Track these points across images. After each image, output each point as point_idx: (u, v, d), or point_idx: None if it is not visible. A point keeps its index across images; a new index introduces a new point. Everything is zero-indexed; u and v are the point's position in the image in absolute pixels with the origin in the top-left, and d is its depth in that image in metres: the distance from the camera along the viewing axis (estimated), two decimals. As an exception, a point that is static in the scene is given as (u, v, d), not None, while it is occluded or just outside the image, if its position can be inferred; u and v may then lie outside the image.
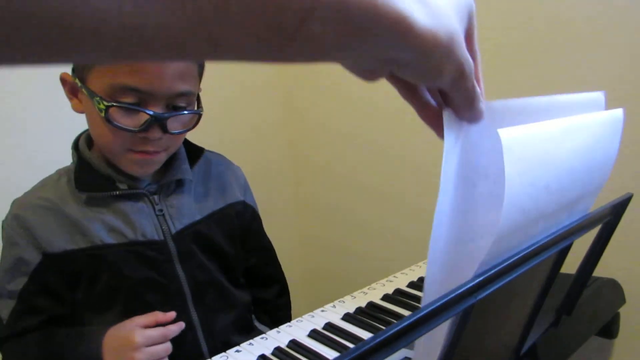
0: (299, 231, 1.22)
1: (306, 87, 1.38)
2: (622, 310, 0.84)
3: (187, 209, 0.78)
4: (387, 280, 0.87)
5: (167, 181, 0.77)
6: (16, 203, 0.75)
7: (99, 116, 0.66)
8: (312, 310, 0.78)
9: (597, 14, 0.82)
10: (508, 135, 0.31)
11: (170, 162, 0.78)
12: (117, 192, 0.73)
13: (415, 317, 0.32)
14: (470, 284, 0.35)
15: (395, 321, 0.72)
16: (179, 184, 0.79)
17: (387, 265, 0.96)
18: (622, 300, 0.83)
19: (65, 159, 0.79)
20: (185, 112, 0.70)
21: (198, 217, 0.79)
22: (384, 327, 0.70)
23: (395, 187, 1.21)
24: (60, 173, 0.77)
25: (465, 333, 0.39)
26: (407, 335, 0.32)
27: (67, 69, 0.72)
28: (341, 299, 0.82)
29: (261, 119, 1.39)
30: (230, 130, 1.28)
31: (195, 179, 0.82)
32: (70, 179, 0.74)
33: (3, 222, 0.75)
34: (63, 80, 0.71)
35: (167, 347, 0.67)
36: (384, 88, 0.35)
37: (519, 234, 0.38)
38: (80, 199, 0.72)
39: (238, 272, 0.87)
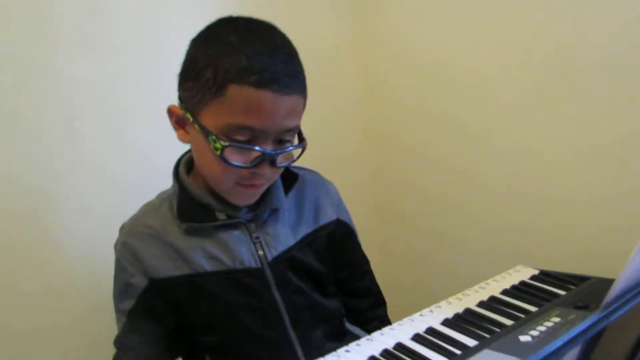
0: (379, 240, 1.27)
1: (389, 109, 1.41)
2: None
3: (283, 235, 0.81)
4: (479, 287, 0.90)
5: (263, 210, 0.80)
6: (124, 230, 0.81)
7: (211, 152, 0.69)
8: (400, 319, 0.82)
9: None
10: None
11: (267, 190, 0.81)
12: (216, 223, 0.77)
13: (562, 341, 0.36)
14: (610, 309, 0.38)
15: (496, 329, 0.75)
16: (274, 211, 0.82)
17: (469, 275, 0.98)
18: None
19: (164, 180, 0.84)
20: (293, 147, 0.73)
21: (292, 242, 0.82)
22: (485, 334, 0.74)
23: (477, 197, 1.23)
24: (162, 198, 0.82)
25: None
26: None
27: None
28: (437, 304, 0.85)
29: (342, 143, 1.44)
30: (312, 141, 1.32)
31: (290, 204, 0.84)
32: (172, 206, 0.79)
33: (115, 245, 0.82)
34: (170, 111, 0.75)
35: None
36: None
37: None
38: (182, 227, 0.77)
39: (329, 286, 0.90)
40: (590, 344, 0.40)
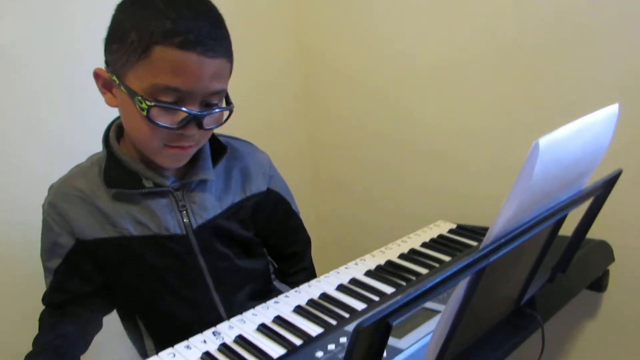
0: (313, 202, 1.31)
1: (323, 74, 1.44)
2: (611, 267, 0.94)
3: (209, 204, 0.82)
4: (402, 241, 0.97)
5: (190, 180, 0.81)
6: (52, 190, 0.80)
7: (138, 114, 0.69)
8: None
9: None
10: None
11: (195, 161, 0.82)
12: (144, 190, 0.78)
13: (443, 276, 0.41)
14: (485, 251, 0.44)
15: (412, 277, 0.82)
16: (203, 181, 0.83)
17: (396, 232, 1.05)
18: (611, 259, 0.93)
19: (93, 144, 0.84)
20: (219, 109, 0.73)
21: (218, 211, 0.83)
22: (401, 282, 0.81)
23: (403, 160, 1.29)
24: (92, 161, 0.82)
25: (479, 288, 0.49)
26: (434, 290, 0.42)
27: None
28: (362, 257, 0.92)
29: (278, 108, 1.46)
30: (250, 114, 1.31)
31: (218, 175, 0.85)
32: (101, 170, 0.79)
33: (42, 205, 0.81)
34: (96, 74, 0.74)
35: None
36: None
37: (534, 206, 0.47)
38: (110, 192, 0.78)
39: (256, 248, 0.92)
40: (474, 280, 0.46)
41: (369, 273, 0.85)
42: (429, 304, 0.71)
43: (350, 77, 1.37)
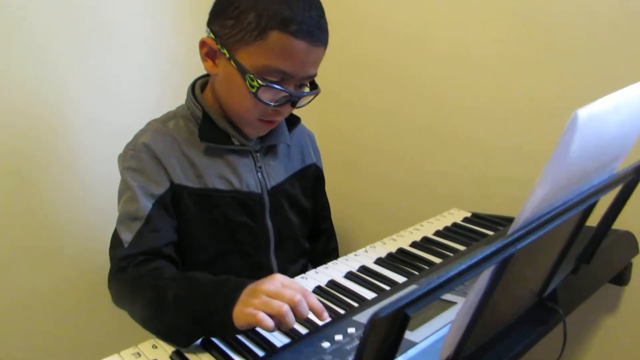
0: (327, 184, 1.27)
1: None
2: (635, 260, 0.89)
3: (279, 168, 0.88)
4: (414, 229, 0.93)
5: (269, 143, 0.87)
6: (140, 136, 0.82)
7: (243, 88, 0.74)
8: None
9: None
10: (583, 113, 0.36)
11: (274, 127, 0.86)
12: (231, 147, 0.82)
13: (467, 264, 0.37)
14: (514, 236, 0.40)
15: (425, 266, 0.78)
16: (274, 145, 0.89)
17: (412, 217, 1.01)
18: (635, 251, 0.88)
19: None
20: (313, 92, 0.80)
21: (285, 176, 0.89)
22: (414, 271, 0.77)
23: (417, 143, 1.25)
24: (176, 117, 0.84)
25: (503, 278, 0.44)
26: (457, 279, 0.37)
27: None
28: (372, 245, 0.88)
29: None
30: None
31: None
32: (187, 124, 0.83)
33: (127, 150, 0.81)
34: (203, 43, 0.78)
35: (283, 308, 0.58)
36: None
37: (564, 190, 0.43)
38: (198, 145, 0.81)
39: (308, 226, 0.96)
40: (499, 269, 0.42)
41: (379, 261, 0.81)
42: (445, 295, 0.67)
43: (363, 60, 1.33)
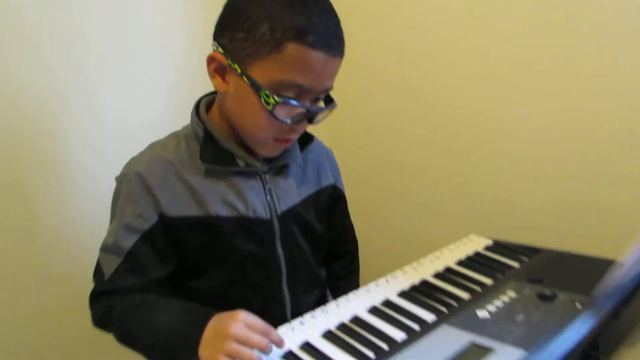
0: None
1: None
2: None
3: (291, 191, 0.82)
4: (434, 257, 0.89)
5: (280, 164, 0.80)
6: (135, 161, 0.77)
7: (257, 105, 0.69)
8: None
9: None
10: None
11: None
12: (236, 169, 0.76)
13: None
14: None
15: (452, 301, 0.74)
16: (286, 166, 0.83)
17: (428, 239, 0.98)
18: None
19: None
20: (330, 107, 0.75)
21: (298, 199, 0.83)
22: (442, 307, 0.73)
23: (436, 163, 1.21)
24: (177, 136, 0.80)
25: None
26: None
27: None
28: (392, 274, 0.83)
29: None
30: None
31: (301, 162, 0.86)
32: (189, 146, 0.77)
33: (120, 177, 0.77)
34: (211, 58, 0.72)
35: (254, 356, 0.58)
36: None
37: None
38: (200, 168, 0.75)
39: (323, 251, 0.91)
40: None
41: (403, 294, 0.77)
42: (480, 339, 0.62)
43: (380, 71, 1.29)
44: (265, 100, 0.68)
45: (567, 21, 0.93)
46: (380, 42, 1.26)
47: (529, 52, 0.98)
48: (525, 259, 0.87)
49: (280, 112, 0.70)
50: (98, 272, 0.75)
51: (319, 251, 0.89)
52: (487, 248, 0.92)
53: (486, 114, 1.09)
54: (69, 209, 1.07)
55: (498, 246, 0.93)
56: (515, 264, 0.85)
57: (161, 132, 0.84)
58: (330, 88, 0.74)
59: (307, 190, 0.86)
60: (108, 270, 0.73)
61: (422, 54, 1.18)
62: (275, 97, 0.68)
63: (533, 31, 0.97)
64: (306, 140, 0.86)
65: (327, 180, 0.91)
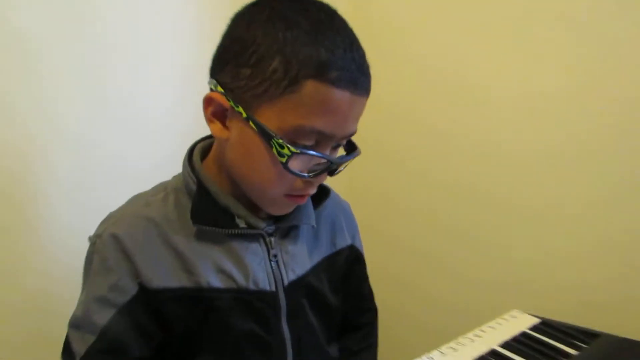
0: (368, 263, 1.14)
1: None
2: None
3: (301, 256, 0.70)
4: (475, 335, 0.78)
5: (289, 224, 0.69)
6: (112, 220, 0.65)
7: (267, 157, 0.58)
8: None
9: None
10: None
11: None
12: (237, 231, 0.64)
13: None
14: None
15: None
16: (295, 226, 0.71)
17: (459, 307, 0.87)
18: None
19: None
20: (353, 155, 0.64)
21: (309, 266, 0.71)
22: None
23: (475, 224, 1.11)
24: (166, 191, 0.68)
25: None
26: None
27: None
28: (429, 355, 0.72)
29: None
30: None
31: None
32: (178, 201, 0.65)
33: (94, 238, 0.64)
34: (209, 100, 0.61)
35: None
36: None
37: None
38: (190, 228, 0.63)
39: (337, 326, 0.78)
40: None
41: (446, 383, 0.65)
42: None
43: (403, 113, 1.21)
44: (278, 151, 0.57)
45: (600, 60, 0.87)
46: (409, 80, 1.19)
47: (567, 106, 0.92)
48: (579, 343, 0.76)
49: (296, 164, 0.59)
50: (67, 351, 0.62)
51: (331, 327, 0.77)
52: (535, 328, 0.81)
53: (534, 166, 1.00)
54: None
55: (547, 326, 0.82)
56: (569, 350, 0.74)
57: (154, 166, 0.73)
58: (354, 133, 0.63)
59: (320, 254, 0.74)
60: (79, 349, 0.60)
61: (455, 93, 1.11)
62: (291, 147, 0.56)
63: (572, 71, 0.91)
64: (321, 194, 0.73)
65: (344, 241, 0.78)
